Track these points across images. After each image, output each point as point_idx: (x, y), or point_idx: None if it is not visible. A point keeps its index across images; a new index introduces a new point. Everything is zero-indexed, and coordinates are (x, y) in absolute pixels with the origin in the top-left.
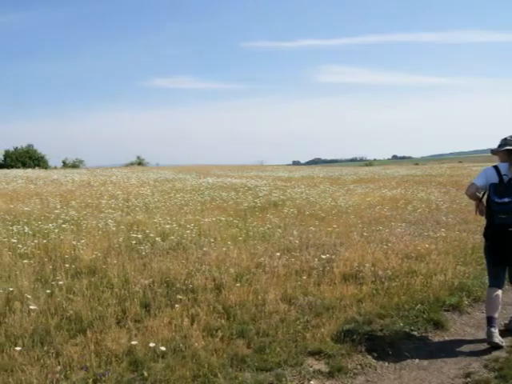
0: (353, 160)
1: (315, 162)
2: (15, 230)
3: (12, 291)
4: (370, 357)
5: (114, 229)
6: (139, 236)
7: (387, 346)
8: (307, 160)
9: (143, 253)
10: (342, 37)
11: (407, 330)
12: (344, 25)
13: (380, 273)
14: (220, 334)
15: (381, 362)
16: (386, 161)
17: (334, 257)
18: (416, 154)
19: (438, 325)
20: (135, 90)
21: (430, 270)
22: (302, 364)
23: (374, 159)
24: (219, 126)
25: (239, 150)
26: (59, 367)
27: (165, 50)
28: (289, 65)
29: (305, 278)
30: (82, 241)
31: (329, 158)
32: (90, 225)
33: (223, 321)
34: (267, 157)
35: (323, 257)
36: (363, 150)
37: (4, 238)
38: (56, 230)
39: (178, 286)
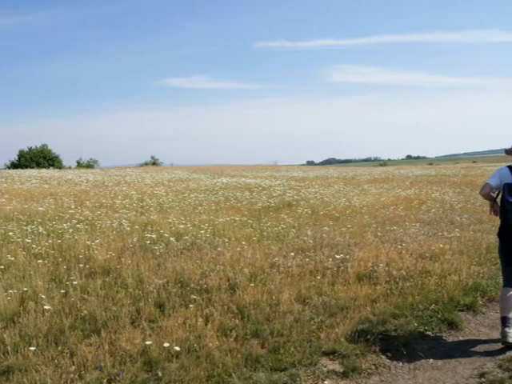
0: (367, 160)
1: (329, 161)
2: (29, 230)
3: (26, 291)
4: (384, 357)
5: (129, 229)
6: (153, 236)
7: (401, 346)
8: (321, 160)
9: (157, 253)
10: (357, 36)
11: (421, 330)
12: (359, 24)
13: (394, 273)
14: (234, 333)
15: (395, 362)
16: (400, 161)
17: (348, 257)
18: (430, 154)
19: (453, 325)
20: (150, 89)
21: (445, 270)
22: (316, 364)
23: (388, 159)
24: (233, 126)
25: (253, 149)
26: (73, 367)
27: (180, 50)
28: (304, 64)
29: (319, 277)
30: (97, 241)
31: (343, 158)
32: (105, 225)
33: (237, 321)
34: (281, 157)
35: (337, 257)
36: (377, 150)
37: (18, 238)
38: (70, 230)
39: (192, 285)
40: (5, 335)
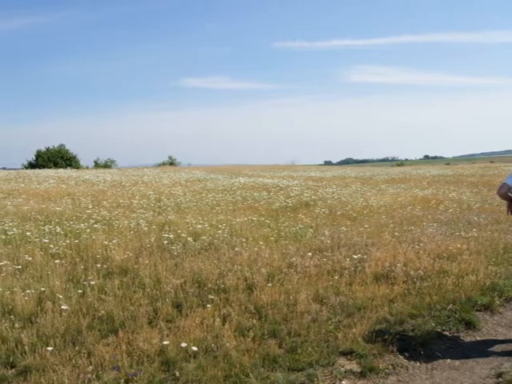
0: (384, 160)
1: (347, 162)
2: (47, 230)
3: (44, 291)
4: (401, 357)
5: (146, 229)
6: (171, 236)
7: (419, 346)
8: (339, 160)
9: (175, 253)
10: (375, 37)
11: (439, 329)
12: (377, 25)
13: (412, 273)
14: (252, 333)
15: (412, 362)
16: (417, 161)
17: (365, 257)
18: (448, 154)
19: (470, 325)
20: (169, 89)
21: (462, 270)
22: (333, 364)
23: (406, 159)
24: (251, 126)
25: (271, 150)
26: (91, 367)
27: (198, 50)
28: (322, 65)
29: (336, 277)
30: (114, 241)
31: (360, 158)
32: (122, 225)
33: (255, 321)
34: (299, 157)
35: (355, 257)
36: (395, 150)
37: (36, 237)
38: (88, 230)
39: (209, 285)
40: (22, 335)
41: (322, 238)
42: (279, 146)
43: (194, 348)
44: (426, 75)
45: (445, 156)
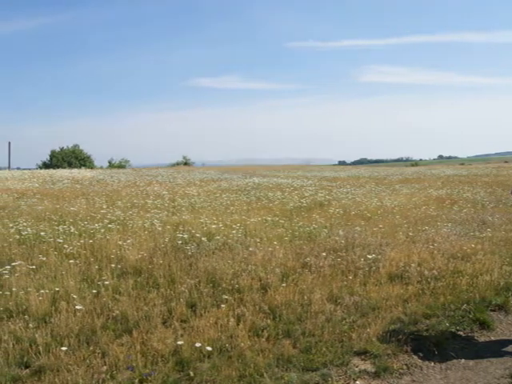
0: (398, 160)
1: (361, 162)
2: (61, 230)
3: (58, 291)
4: (415, 357)
5: (160, 229)
6: (185, 236)
7: (433, 346)
8: (353, 160)
9: (189, 253)
10: (388, 37)
11: (453, 330)
12: (391, 25)
13: (426, 273)
14: (266, 333)
15: (427, 362)
16: (431, 161)
17: (379, 257)
18: (462, 154)
19: (484, 325)
20: (182, 89)
21: (476, 270)
22: (347, 364)
23: (420, 159)
24: (265, 126)
25: (285, 150)
26: (105, 367)
27: (210, 50)
28: (335, 64)
29: (351, 277)
30: (128, 241)
31: (374, 158)
32: (136, 225)
33: (269, 321)
34: (313, 157)
35: (369, 257)
36: (409, 150)
37: (50, 237)
38: (102, 230)
39: (223, 285)
40: (36, 335)
41: (337, 238)
42: (293, 146)
43: (209, 348)
44: (439, 75)
45: (459, 156)
